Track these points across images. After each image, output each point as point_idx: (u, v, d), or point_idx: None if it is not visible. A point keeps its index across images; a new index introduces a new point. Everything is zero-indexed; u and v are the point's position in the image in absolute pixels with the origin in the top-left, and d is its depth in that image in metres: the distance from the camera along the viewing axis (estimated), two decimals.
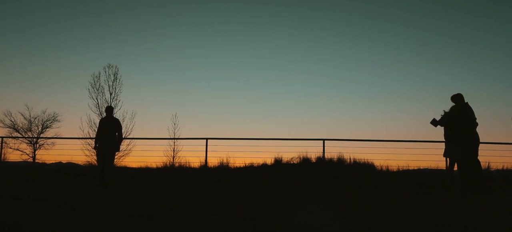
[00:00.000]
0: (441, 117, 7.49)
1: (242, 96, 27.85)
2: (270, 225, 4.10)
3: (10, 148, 15.40)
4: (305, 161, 10.80)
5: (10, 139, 15.56)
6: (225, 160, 11.13)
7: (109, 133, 8.53)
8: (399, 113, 26.58)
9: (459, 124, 7.17)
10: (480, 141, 7.21)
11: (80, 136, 14.87)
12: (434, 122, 7.47)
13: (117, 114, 14.67)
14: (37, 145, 16.01)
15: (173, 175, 10.05)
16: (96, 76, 15.45)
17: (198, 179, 9.44)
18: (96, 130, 8.88)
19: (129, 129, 15.06)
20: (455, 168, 7.54)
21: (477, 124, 7.19)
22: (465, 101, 7.30)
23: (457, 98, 7.34)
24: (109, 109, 8.91)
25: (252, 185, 8.34)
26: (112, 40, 27.95)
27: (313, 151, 13.11)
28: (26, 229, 3.86)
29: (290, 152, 14.18)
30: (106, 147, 8.44)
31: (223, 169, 10.77)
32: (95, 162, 11.65)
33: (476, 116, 7.24)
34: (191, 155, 15.99)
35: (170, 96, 27.48)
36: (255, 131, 32.95)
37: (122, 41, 28.35)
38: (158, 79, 27.93)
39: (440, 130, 7.62)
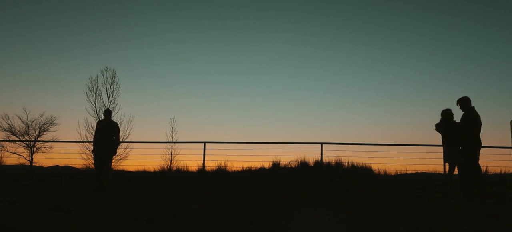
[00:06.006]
0: (439, 123, 7.56)
1: (240, 100, 27.81)
2: (268, 229, 4.09)
3: (8, 151, 15.35)
4: (303, 165, 10.80)
5: (8, 142, 15.51)
6: (222, 164, 11.12)
7: (107, 137, 8.51)
8: (398, 117, 26.58)
9: (462, 128, 7.17)
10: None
11: (78, 140, 14.80)
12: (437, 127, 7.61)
13: (115, 117, 14.61)
14: (35, 148, 15.93)
15: (170, 179, 10.04)
16: (94, 80, 15.40)
17: (196, 182, 9.42)
18: (94, 133, 8.85)
19: (127, 132, 15.00)
20: (455, 172, 7.54)
21: (479, 130, 7.14)
22: (472, 105, 7.25)
23: (463, 102, 7.27)
24: (108, 112, 8.89)
25: (250, 189, 8.33)
26: (109, 43, 27.88)
27: (311, 155, 13.15)
28: None
29: (288, 156, 14.22)
30: (103, 151, 8.42)
31: (221, 172, 10.76)
32: (93, 165, 11.61)
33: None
34: (189, 159, 15.90)
35: (168, 100, 27.41)
36: (253, 135, 32.93)
37: (120, 45, 28.30)
38: (155, 82, 27.85)
39: (438, 134, 7.66)
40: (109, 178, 8.61)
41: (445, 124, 7.46)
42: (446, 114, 7.49)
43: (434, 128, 7.66)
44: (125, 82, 19.78)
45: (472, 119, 7.11)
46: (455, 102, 7.40)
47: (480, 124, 7.12)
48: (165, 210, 5.29)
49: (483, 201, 6.36)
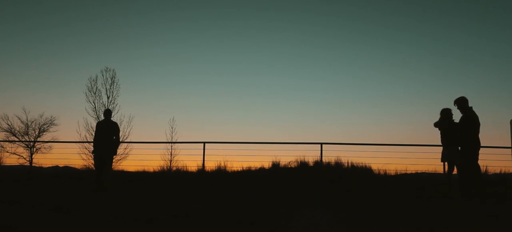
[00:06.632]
0: (439, 120, 7.55)
1: (240, 100, 27.83)
2: (268, 229, 4.09)
3: (7, 152, 15.36)
4: (303, 165, 10.78)
5: (7, 143, 15.51)
6: (222, 164, 11.10)
7: (107, 137, 8.50)
8: (398, 117, 26.61)
9: (461, 128, 7.16)
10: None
11: (77, 140, 14.80)
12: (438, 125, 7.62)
13: (115, 117, 14.60)
14: (34, 149, 15.94)
15: (170, 179, 10.03)
16: (93, 80, 15.37)
17: (196, 183, 9.42)
18: (94, 133, 8.84)
19: (127, 133, 15.00)
20: (454, 171, 7.54)
21: (478, 130, 7.13)
22: (469, 105, 7.24)
23: (460, 102, 7.24)
24: (108, 113, 8.88)
25: (249, 189, 8.33)
26: (109, 43, 27.89)
27: (311, 155, 13.11)
28: None
29: (287, 156, 14.20)
30: (103, 151, 8.41)
31: (221, 173, 10.75)
32: (93, 166, 11.61)
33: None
34: (189, 159, 15.92)
35: (167, 100, 27.43)
36: (253, 135, 32.94)
37: (120, 45, 28.30)
38: (155, 82, 27.85)
39: (438, 134, 7.66)
40: (109, 178, 8.60)
41: (444, 123, 7.46)
42: (446, 113, 7.49)
43: (433, 125, 7.67)
44: (125, 82, 19.80)
45: (469, 119, 7.09)
46: (453, 103, 7.40)
47: (478, 124, 7.10)
48: (165, 210, 5.29)
49: (482, 201, 6.36)
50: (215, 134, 32.75)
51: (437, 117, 7.68)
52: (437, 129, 7.62)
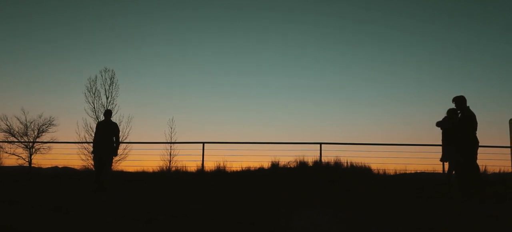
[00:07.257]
0: (443, 120, 7.54)
1: (240, 100, 27.79)
2: (267, 229, 4.09)
3: (6, 152, 15.34)
4: (302, 165, 10.79)
5: (6, 143, 15.48)
6: (222, 164, 11.10)
7: (106, 137, 8.49)
8: (397, 117, 26.60)
9: (459, 128, 7.16)
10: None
11: (77, 141, 14.79)
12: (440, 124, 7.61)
13: (114, 118, 14.44)
14: (33, 149, 15.90)
15: (170, 179, 10.03)
16: (93, 80, 15.35)
17: (195, 183, 9.41)
18: (94, 134, 8.83)
19: (126, 133, 14.99)
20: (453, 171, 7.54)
21: (476, 129, 7.14)
22: (467, 105, 7.24)
23: (459, 101, 7.26)
24: (108, 113, 8.86)
25: (249, 189, 8.33)
26: (109, 43, 27.84)
27: (310, 155, 13.12)
28: None
29: (287, 156, 14.21)
30: (103, 151, 8.40)
31: (220, 173, 10.75)
32: (92, 166, 11.59)
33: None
34: (188, 159, 15.90)
35: (166, 100, 27.37)
36: (252, 135, 32.91)
37: (119, 45, 28.25)
38: (154, 83, 27.78)
39: (437, 134, 7.67)
40: (109, 178, 8.59)
41: (447, 122, 7.44)
42: (452, 113, 7.45)
43: (436, 124, 7.66)
44: (124, 83, 19.80)
45: (468, 118, 7.10)
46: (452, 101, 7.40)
47: (476, 123, 7.11)
48: (164, 210, 5.29)
49: (482, 201, 6.36)
50: (214, 134, 32.71)
51: (437, 117, 7.70)
52: (438, 128, 7.62)
